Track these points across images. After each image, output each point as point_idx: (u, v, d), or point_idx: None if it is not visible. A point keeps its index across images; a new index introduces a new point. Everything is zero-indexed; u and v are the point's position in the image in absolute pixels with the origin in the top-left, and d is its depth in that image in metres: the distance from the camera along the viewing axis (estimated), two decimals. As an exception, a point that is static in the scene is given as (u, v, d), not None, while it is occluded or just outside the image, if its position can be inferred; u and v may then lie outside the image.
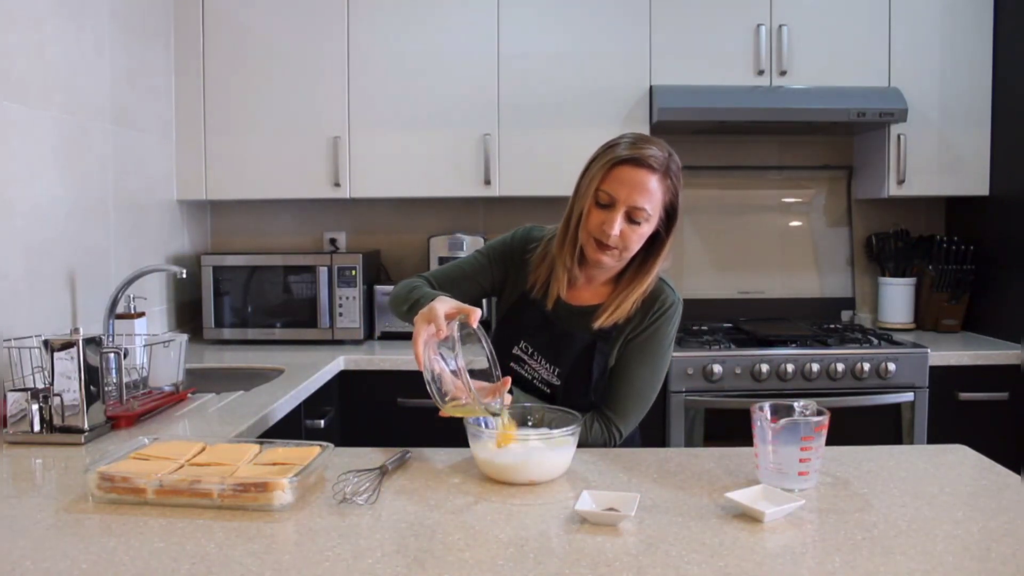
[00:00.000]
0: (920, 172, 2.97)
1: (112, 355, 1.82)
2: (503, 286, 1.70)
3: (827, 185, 3.33)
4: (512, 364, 1.65)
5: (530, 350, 1.64)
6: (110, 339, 2.18)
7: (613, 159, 1.50)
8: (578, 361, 1.62)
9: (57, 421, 1.63)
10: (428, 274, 1.71)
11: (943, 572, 1.00)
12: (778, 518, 1.17)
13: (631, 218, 1.50)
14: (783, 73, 2.92)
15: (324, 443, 1.40)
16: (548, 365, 1.63)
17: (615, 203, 1.50)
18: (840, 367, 2.62)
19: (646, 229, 1.53)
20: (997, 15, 2.93)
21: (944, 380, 2.67)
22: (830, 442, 1.34)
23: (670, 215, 1.56)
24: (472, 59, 2.91)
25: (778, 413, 1.32)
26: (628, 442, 1.68)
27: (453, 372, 1.40)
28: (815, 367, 2.62)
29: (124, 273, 2.38)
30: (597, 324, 1.59)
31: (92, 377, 1.65)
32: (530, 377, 1.64)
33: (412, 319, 1.50)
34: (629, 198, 1.49)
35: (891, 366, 2.63)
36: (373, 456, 1.45)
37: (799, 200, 3.33)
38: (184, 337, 2.02)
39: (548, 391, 1.64)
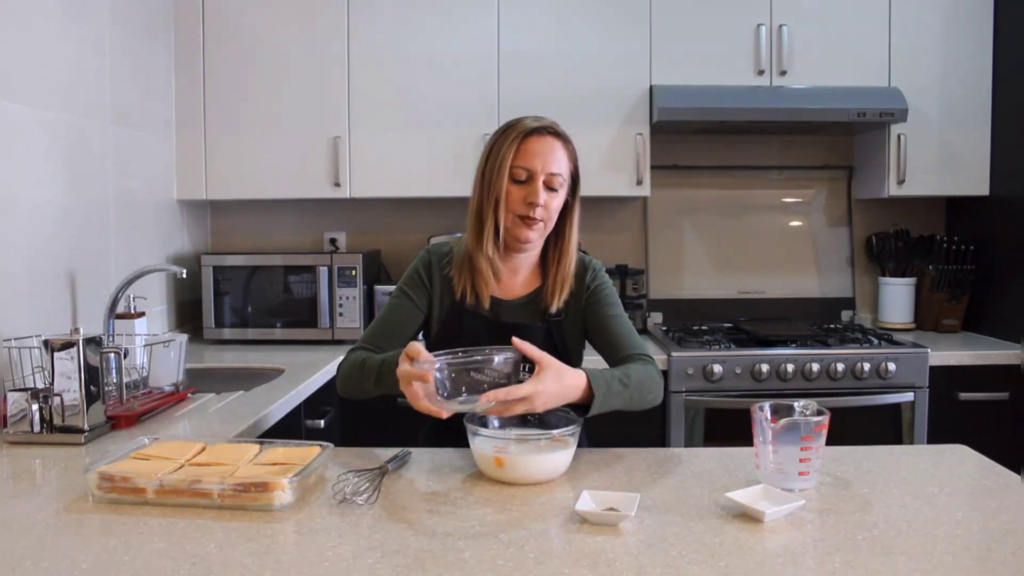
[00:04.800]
0: (920, 172, 2.97)
1: (112, 355, 1.82)
2: (432, 307, 1.67)
3: (827, 185, 3.33)
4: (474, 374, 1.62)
5: None
6: (110, 339, 2.18)
7: (520, 133, 1.56)
8: (545, 348, 1.58)
9: (57, 421, 1.63)
10: (362, 342, 1.66)
11: (943, 572, 1.00)
12: (778, 518, 1.17)
13: (549, 186, 1.56)
14: (783, 73, 2.92)
15: (324, 443, 1.40)
16: None
17: (533, 174, 1.55)
18: (840, 367, 2.62)
19: (562, 195, 1.59)
20: (997, 15, 2.93)
21: (944, 380, 2.67)
22: (830, 442, 1.34)
23: (575, 180, 1.63)
24: (472, 59, 2.91)
25: (778, 413, 1.33)
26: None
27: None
28: (815, 367, 2.62)
29: (124, 273, 2.38)
30: (554, 307, 1.61)
31: (92, 377, 1.65)
32: (500, 385, 1.61)
33: (384, 390, 1.50)
34: (545, 167, 1.55)
35: (891, 366, 2.63)
36: (373, 456, 1.45)
37: (799, 200, 3.33)
38: (184, 337, 2.02)
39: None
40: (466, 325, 1.62)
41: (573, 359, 1.66)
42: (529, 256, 1.65)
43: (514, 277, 1.66)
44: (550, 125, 1.59)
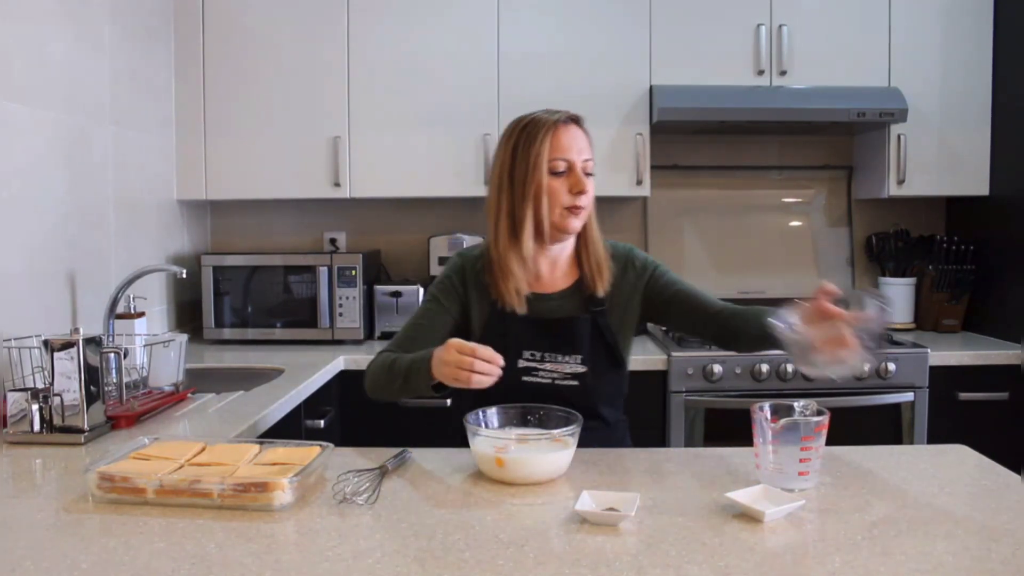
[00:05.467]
0: (920, 172, 2.97)
1: (112, 355, 1.82)
2: (468, 314, 1.66)
3: (827, 185, 3.33)
4: (524, 378, 1.60)
5: (539, 355, 1.60)
6: (110, 339, 2.18)
7: (549, 127, 1.56)
8: (594, 338, 1.61)
9: (57, 421, 1.63)
10: (390, 346, 1.64)
11: (943, 572, 1.00)
12: (778, 518, 1.17)
13: (585, 172, 1.58)
14: (783, 73, 2.92)
15: (324, 443, 1.40)
16: (568, 358, 1.60)
17: (571, 165, 1.57)
18: (840, 367, 2.62)
19: (593, 179, 1.61)
20: (997, 15, 2.93)
21: (944, 380, 2.67)
22: (830, 442, 1.34)
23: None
24: (472, 59, 2.91)
25: (778, 413, 1.32)
26: (620, 442, 1.68)
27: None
28: (815, 367, 2.61)
29: (124, 273, 2.38)
30: (600, 290, 1.62)
31: (92, 377, 1.65)
32: (550, 380, 1.60)
33: (412, 391, 1.50)
34: (579, 155, 1.58)
35: (891, 366, 2.62)
36: (373, 456, 1.45)
37: (799, 200, 3.33)
38: (184, 337, 2.02)
39: (576, 383, 1.60)
40: (510, 327, 1.61)
41: (620, 349, 1.66)
42: (565, 247, 1.65)
43: (554, 270, 1.66)
44: (571, 114, 1.60)
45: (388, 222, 3.31)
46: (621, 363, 1.67)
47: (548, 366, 1.60)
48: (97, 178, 2.39)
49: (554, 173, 1.55)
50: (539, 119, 1.58)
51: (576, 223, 1.58)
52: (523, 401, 1.49)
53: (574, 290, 1.65)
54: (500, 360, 1.37)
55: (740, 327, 1.58)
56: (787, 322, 1.37)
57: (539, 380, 1.60)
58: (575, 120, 1.61)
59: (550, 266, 1.65)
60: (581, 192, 1.55)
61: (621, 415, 1.72)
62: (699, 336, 1.71)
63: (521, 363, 1.60)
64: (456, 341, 1.40)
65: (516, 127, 1.60)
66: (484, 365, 1.35)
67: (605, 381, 1.63)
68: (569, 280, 1.66)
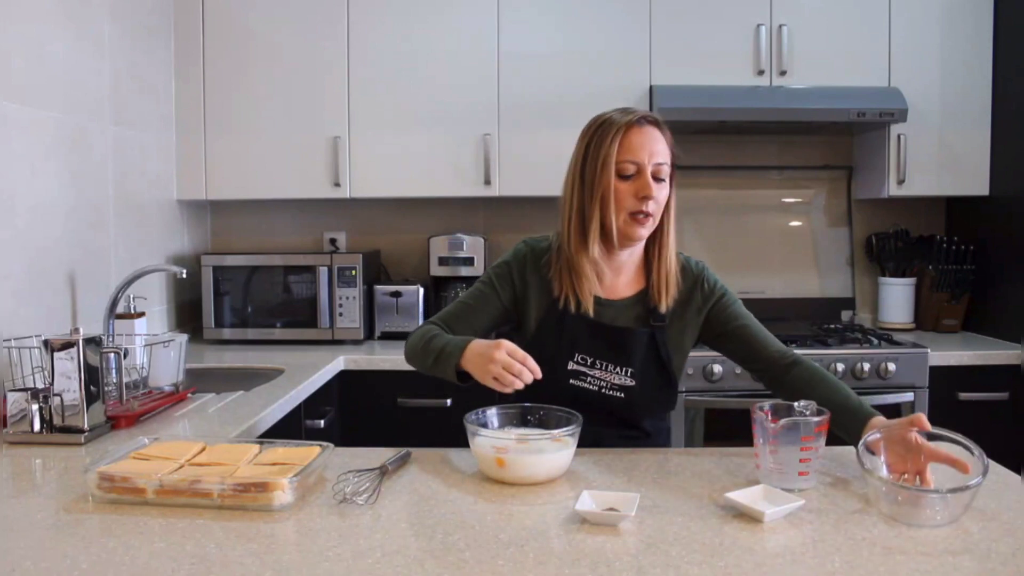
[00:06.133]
0: (920, 172, 2.97)
1: (112, 355, 1.82)
2: (521, 305, 1.62)
3: (827, 185, 3.33)
4: (572, 381, 1.57)
5: (590, 360, 1.57)
6: (110, 339, 2.18)
7: (620, 127, 1.49)
8: (648, 353, 1.57)
9: (57, 421, 1.63)
10: (436, 318, 1.63)
11: (943, 572, 1.01)
12: (778, 518, 1.17)
13: (656, 177, 1.50)
14: (783, 73, 2.92)
15: (324, 443, 1.40)
16: (619, 368, 1.57)
17: (641, 168, 1.49)
18: (840, 367, 2.62)
19: (667, 185, 1.53)
20: (997, 15, 2.93)
21: (944, 380, 2.66)
22: (830, 442, 1.34)
23: (673, 168, 1.56)
24: (472, 59, 2.91)
25: (778, 413, 1.33)
26: (663, 441, 1.67)
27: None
28: (815, 367, 2.62)
29: (124, 273, 2.38)
30: (663, 306, 1.57)
31: (92, 377, 1.65)
32: (597, 388, 1.57)
33: (440, 372, 1.50)
34: (651, 158, 1.49)
35: (891, 366, 2.62)
36: (373, 456, 1.45)
37: (799, 200, 3.33)
38: (184, 337, 2.02)
39: (622, 395, 1.57)
40: (566, 328, 1.57)
41: (673, 366, 1.61)
42: (633, 254, 1.59)
43: (618, 277, 1.60)
44: (646, 115, 1.52)
45: (388, 222, 3.31)
46: (672, 381, 1.62)
47: (597, 373, 1.57)
48: (97, 178, 2.39)
49: (622, 176, 1.49)
50: (611, 119, 1.51)
51: (641, 231, 1.51)
52: (567, 404, 1.46)
53: (637, 300, 1.60)
54: (539, 375, 1.39)
55: (802, 391, 1.49)
56: (873, 453, 1.30)
57: (586, 386, 1.57)
58: (652, 121, 1.51)
59: (615, 272, 1.59)
60: (647, 197, 1.48)
61: (661, 422, 1.71)
62: (750, 372, 1.67)
63: (571, 365, 1.57)
64: (509, 344, 1.39)
65: (592, 125, 1.54)
66: (528, 376, 1.37)
67: (652, 397, 1.59)
68: (634, 288, 1.61)
